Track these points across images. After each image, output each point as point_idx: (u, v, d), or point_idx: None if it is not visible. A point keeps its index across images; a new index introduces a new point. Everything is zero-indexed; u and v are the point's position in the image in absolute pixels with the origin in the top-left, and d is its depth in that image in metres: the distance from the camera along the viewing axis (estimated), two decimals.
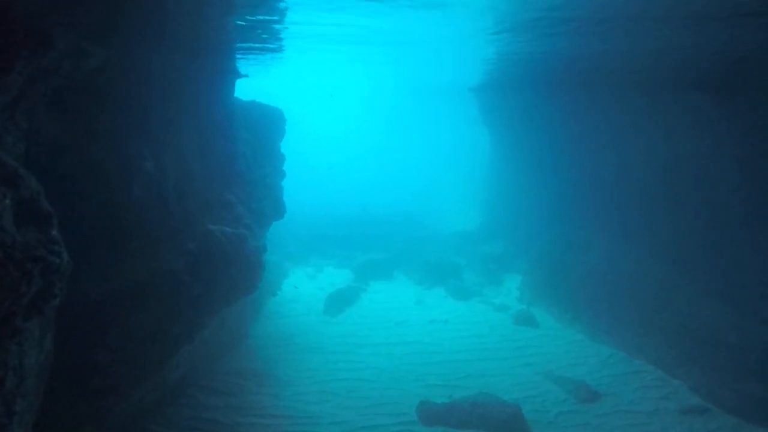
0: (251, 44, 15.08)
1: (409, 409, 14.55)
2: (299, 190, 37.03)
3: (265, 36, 13.97)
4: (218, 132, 13.57)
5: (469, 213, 33.59)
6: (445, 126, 45.60)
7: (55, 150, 8.49)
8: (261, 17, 12.11)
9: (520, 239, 26.20)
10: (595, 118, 19.15)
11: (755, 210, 14.95)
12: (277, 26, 13.45)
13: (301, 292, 24.51)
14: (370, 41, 16.35)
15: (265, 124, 17.78)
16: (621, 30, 11.56)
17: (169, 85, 11.68)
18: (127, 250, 9.36)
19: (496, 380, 16.21)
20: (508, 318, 20.68)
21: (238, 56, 17.81)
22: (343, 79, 32.43)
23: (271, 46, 16.13)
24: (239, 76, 15.98)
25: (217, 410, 14.89)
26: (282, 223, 30.27)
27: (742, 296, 14.48)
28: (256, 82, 34.35)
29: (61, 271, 6.00)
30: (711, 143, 14.89)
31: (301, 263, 28.64)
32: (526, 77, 20.01)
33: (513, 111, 25.35)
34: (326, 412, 14.78)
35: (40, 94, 7.91)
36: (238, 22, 12.33)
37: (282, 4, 11.42)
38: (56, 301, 6.15)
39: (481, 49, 15.98)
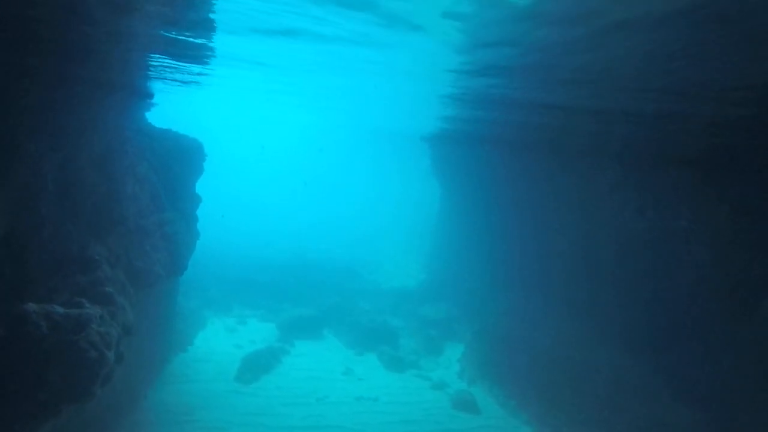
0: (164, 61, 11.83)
1: None
2: (228, 230, 33.42)
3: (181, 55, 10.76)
4: (96, 164, 10.11)
5: (411, 267, 30.59)
6: (392, 175, 43.08)
7: None
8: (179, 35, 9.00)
9: (464, 303, 23.26)
10: (558, 185, 16.64)
11: (726, 301, 12.52)
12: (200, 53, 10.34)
13: (215, 349, 20.66)
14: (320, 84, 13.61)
15: (178, 158, 14.37)
16: (590, 94, 9.04)
17: (13, 93, 8.26)
18: None
19: None
20: (446, 399, 17.47)
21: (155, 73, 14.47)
22: (285, 116, 29.61)
23: (194, 69, 12.95)
24: (145, 96, 12.62)
25: None
26: (207, 263, 26.64)
27: (717, 403, 11.82)
28: (185, 114, 31.30)
29: None
30: (687, 224, 12.44)
31: (222, 312, 24.70)
32: (485, 134, 17.48)
33: (468, 167, 22.80)
34: None
35: None
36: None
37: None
38: None
39: (439, 90, 13.44)
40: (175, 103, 24.96)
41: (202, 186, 17.44)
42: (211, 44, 9.37)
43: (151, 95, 13.21)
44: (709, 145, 11.30)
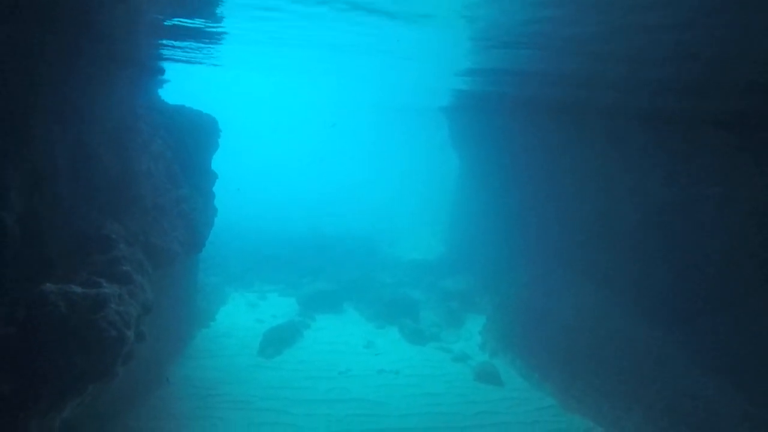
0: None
1: None
2: (248, 204, 33.37)
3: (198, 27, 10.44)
4: (109, 142, 9.92)
5: (430, 240, 30.27)
6: (407, 146, 42.44)
7: None
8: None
9: (485, 275, 22.97)
10: (581, 152, 16.09)
11: (762, 270, 12.03)
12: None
13: (237, 324, 20.76)
14: (338, 48, 13.22)
15: (193, 134, 14.14)
16: (614, 49, 8.49)
17: (22, 71, 8.05)
18: None
19: None
20: (469, 371, 17.33)
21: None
22: (302, 88, 29.18)
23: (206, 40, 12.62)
24: (156, 72, 12.35)
25: None
26: (226, 240, 26.69)
27: (755, 378, 11.45)
28: (199, 91, 30.99)
29: None
30: (721, 190, 11.90)
31: (243, 287, 24.81)
32: (504, 99, 16.91)
33: (487, 137, 22.23)
34: None
35: None
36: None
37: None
38: None
39: (456, 64, 13.01)
40: (188, 79, 24.68)
41: (219, 163, 17.27)
42: (222, 20, 9.08)
43: (162, 71, 12.94)
44: (746, 105, 10.71)
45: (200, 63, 16.07)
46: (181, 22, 9.55)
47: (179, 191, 12.22)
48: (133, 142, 10.67)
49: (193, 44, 12.13)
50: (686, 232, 13.43)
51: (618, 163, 15.21)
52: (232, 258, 26.50)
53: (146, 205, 10.52)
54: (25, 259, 7.76)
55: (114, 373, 7.00)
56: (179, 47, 12.38)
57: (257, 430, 13.68)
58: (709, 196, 12.07)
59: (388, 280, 24.92)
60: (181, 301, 16.90)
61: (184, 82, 26.04)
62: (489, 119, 21.51)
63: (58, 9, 7.90)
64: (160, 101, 14.67)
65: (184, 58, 13.70)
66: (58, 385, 6.57)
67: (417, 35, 8.73)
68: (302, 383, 16.25)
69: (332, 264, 26.36)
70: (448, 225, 28.90)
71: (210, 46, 12.48)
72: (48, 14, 8.03)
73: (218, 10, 8.56)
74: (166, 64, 15.56)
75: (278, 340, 18.75)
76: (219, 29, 10.15)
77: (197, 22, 9.58)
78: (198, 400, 15.04)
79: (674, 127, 12.36)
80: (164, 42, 11.74)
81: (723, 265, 12.54)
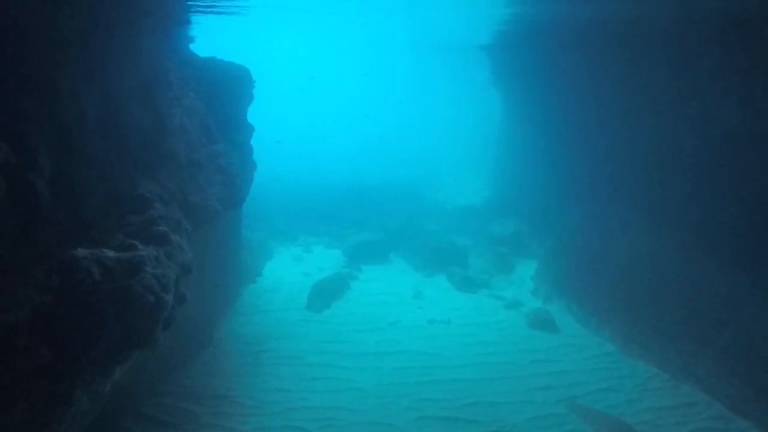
0: None
1: None
2: (290, 158, 32.96)
3: None
4: (138, 96, 9.40)
5: (475, 184, 29.25)
6: (447, 86, 40.73)
7: None
8: None
9: (535, 218, 22.01)
10: (637, 78, 14.72)
11: None
12: None
13: (284, 278, 20.65)
14: None
15: (225, 86, 13.51)
16: None
17: (41, 25, 7.50)
18: None
19: (510, 411, 12.37)
20: (522, 318, 16.73)
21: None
22: (333, 30, 28.02)
23: None
24: (183, 23, 11.66)
25: None
26: (269, 195, 26.48)
27: None
28: (232, 44, 30.25)
29: None
30: None
31: (288, 242, 24.66)
32: (550, 29, 15.55)
33: (533, 70, 20.79)
34: None
35: None
36: None
37: None
38: None
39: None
40: (221, 36, 24.02)
41: (257, 116, 16.63)
42: None
43: (188, 20, 12.25)
44: None
45: (228, 14, 15.27)
46: None
47: (215, 146, 11.71)
48: (163, 96, 10.12)
49: None
50: (761, 162, 12.16)
51: (681, 90, 13.80)
52: (275, 212, 26.35)
53: (181, 162, 10.06)
54: (59, 224, 7.43)
55: (155, 339, 6.66)
56: None
57: (309, 385, 13.51)
58: None
59: (434, 227, 24.28)
60: (226, 258, 16.75)
61: (218, 38, 25.38)
62: (534, 54, 20.06)
63: None
64: (189, 54, 14.04)
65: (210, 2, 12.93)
66: (99, 353, 6.28)
67: None
68: (352, 336, 16.01)
69: (377, 214, 25.87)
70: (494, 167, 27.76)
71: None
72: None
73: None
74: (193, 16, 14.85)
75: (326, 293, 18.54)
76: None
77: None
78: (248, 356, 14.99)
79: (753, 42, 10.91)
80: None
81: None
